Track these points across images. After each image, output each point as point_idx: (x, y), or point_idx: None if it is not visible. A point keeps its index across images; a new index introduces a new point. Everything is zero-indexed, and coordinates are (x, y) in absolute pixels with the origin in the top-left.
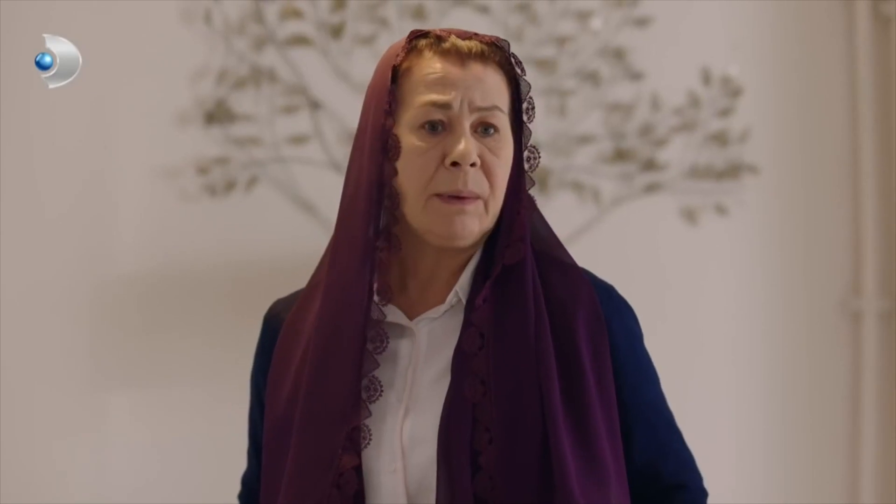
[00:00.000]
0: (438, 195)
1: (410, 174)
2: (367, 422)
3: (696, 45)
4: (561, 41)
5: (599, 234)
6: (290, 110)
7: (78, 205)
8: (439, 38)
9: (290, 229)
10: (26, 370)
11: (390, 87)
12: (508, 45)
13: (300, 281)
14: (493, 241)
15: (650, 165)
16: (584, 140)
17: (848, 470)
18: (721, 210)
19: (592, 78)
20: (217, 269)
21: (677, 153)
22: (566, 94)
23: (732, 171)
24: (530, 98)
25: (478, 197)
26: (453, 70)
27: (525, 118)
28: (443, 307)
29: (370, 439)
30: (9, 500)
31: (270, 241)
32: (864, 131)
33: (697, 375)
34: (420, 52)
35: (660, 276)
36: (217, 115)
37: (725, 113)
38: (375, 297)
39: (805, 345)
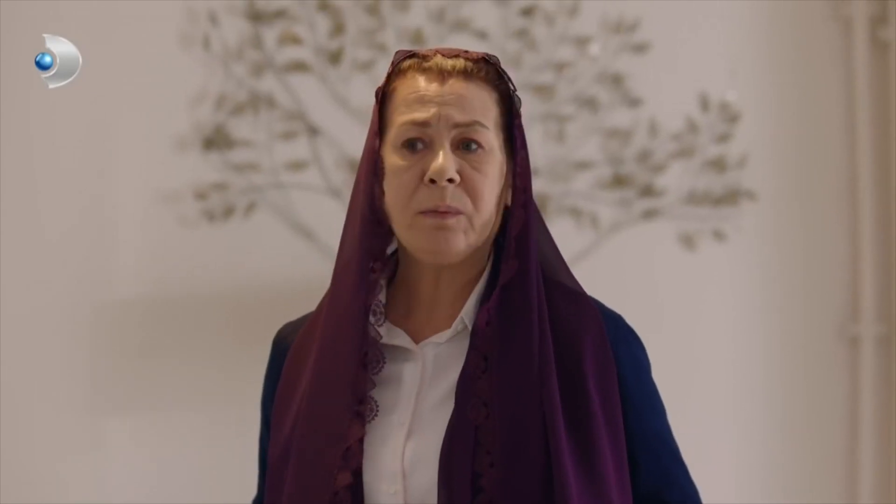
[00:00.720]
0: (422, 212)
1: (394, 193)
2: (367, 443)
3: (694, 71)
4: (559, 67)
5: (598, 259)
6: (288, 136)
7: (77, 228)
8: (423, 58)
9: (289, 255)
10: (25, 392)
11: (377, 109)
12: (497, 60)
13: (299, 306)
14: (498, 262)
15: (648, 191)
16: (583, 166)
17: (846, 492)
18: (719, 236)
19: (590, 104)
20: (216, 295)
21: (675, 179)
22: (564, 120)
23: (730, 197)
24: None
25: (459, 212)
26: (432, 87)
27: (517, 134)
28: (448, 333)
29: (366, 458)
30: None
31: (269, 267)
32: (863, 156)
33: (696, 400)
34: (404, 72)
35: (658, 301)
36: (216, 140)
37: (723, 139)
38: (371, 318)
39: (803, 369)
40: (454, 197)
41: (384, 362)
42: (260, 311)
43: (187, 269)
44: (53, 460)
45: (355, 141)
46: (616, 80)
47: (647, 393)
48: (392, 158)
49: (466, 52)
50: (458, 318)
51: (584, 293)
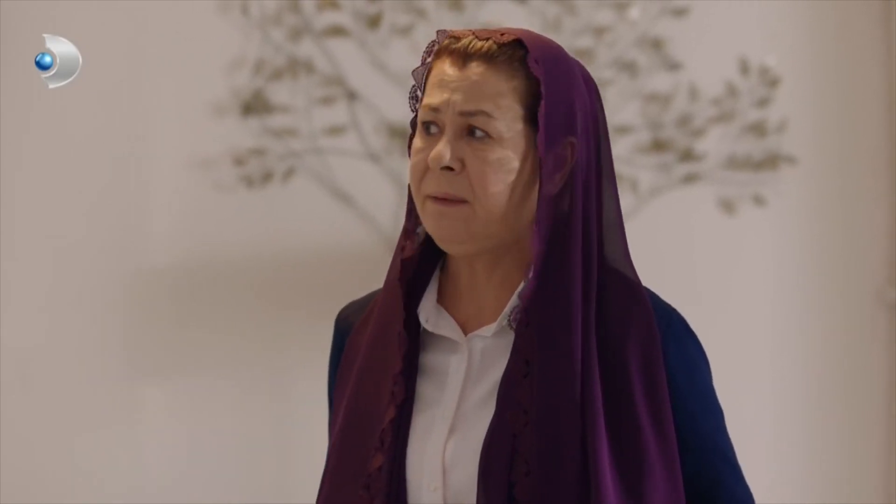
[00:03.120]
0: (429, 196)
1: (410, 174)
2: (412, 434)
3: (734, 36)
4: (598, 31)
5: (637, 224)
6: (326, 101)
7: (113, 194)
8: (456, 39)
9: (327, 221)
10: (60, 361)
11: (420, 87)
12: (537, 42)
13: (337, 272)
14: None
15: (688, 156)
16: (622, 130)
17: (885, 454)
18: (759, 201)
19: (630, 68)
20: (253, 261)
21: (715, 144)
22: (604, 85)
23: (770, 162)
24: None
25: (462, 201)
26: (450, 72)
27: (539, 123)
28: (493, 327)
29: (410, 450)
30: (43, 493)
31: (307, 233)
32: None
33: (733, 365)
34: (439, 53)
35: (697, 266)
36: (254, 106)
37: (763, 103)
38: (422, 310)
39: (841, 334)
40: (453, 184)
41: (420, 349)
42: (298, 277)
43: (224, 236)
44: (87, 429)
45: (394, 106)
46: (656, 45)
47: (700, 393)
48: (415, 139)
49: (503, 33)
50: (503, 314)
51: (638, 283)
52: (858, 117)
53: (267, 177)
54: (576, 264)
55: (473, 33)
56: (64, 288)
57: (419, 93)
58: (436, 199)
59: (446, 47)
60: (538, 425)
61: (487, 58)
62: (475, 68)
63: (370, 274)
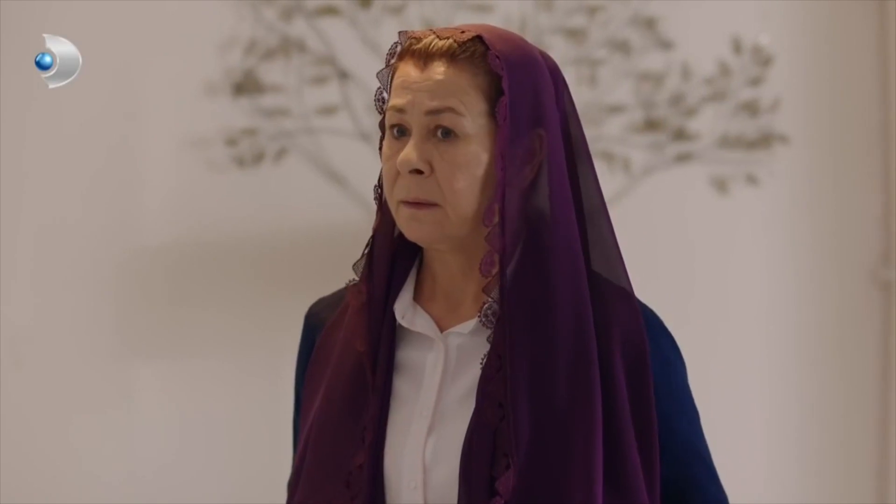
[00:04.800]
0: (401, 201)
1: (383, 179)
2: (389, 432)
3: (727, 15)
4: (591, 11)
5: (630, 203)
6: (318, 81)
7: (105, 174)
8: (416, 40)
9: (319, 200)
10: (51, 342)
11: (386, 89)
12: (498, 37)
13: (328, 252)
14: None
15: (681, 135)
16: (615, 110)
17: (879, 433)
18: (752, 180)
19: (623, 47)
20: (245, 241)
21: (708, 123)
22: (596, 64)
23: (763, 141)
24: (505, 98)
25: (433, 204)
26: (413, 72)
27: (499, 118)
28: (471, 323)
29: (388, 447)
30: (37, 474)
31: (299, 213)
32: None
33: (726, 344)
34: (402, 55)
35: (690, 245)
36: (246, 85)
37: (756, 82)
38: (397, 305)
39: (835, 314)
40: (423, 188)
41: (396, 346)
42: (289, 257)
43: (216, 216)
44: (79, 410)
45: None
46: (649, 24)
47: (675, 393)
48: (384, 144)
49: (463, 31)
50: (483, 310)
51: (619, 286)
52: (851, 96)
53: (259, 157)
54: (554, 258)
55: (434, 32)
56: (56, 268)
57: (385, 94)
58: (408, 203)
59: (408, 49)
60: (516, 419)
61: (449, 56)
62: (437, 67)
63: (361, 253)
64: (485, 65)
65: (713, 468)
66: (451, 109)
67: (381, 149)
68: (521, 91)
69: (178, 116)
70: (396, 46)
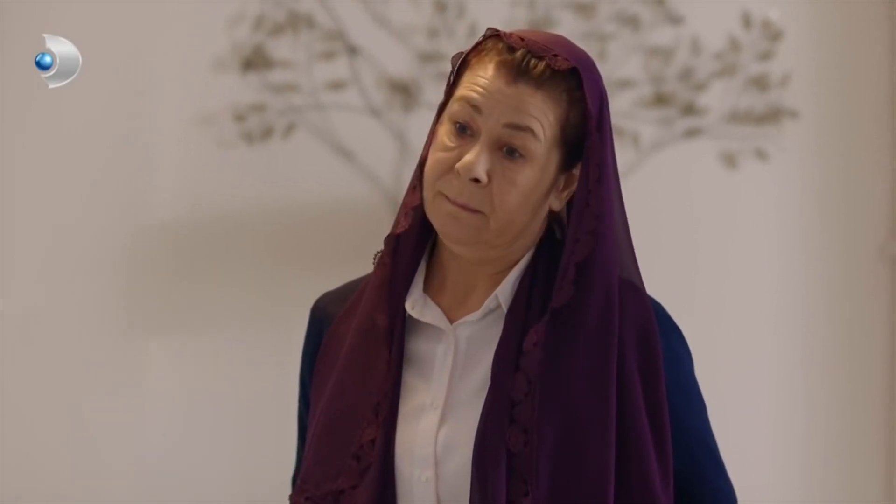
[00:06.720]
0: (443, 194)
1: (429, 166)
2: (400, 422)
3: None
4: None
5: (639, 178)
6: (327, 56)
7: (114, 151)
8: (509, 49)
9: (328, 176)
10: (61, 319)
11: (453, 72)
12: (590, 69)
13: (338, 228)
14: (545, 245)
15: (690, 110)
16: (624, 84)
17: (886, 409)
18: (761, 155)
19: (632, 22)
20: (254, 217)
21: (717, 98)
22: (606, 39)
23: (773, 116)
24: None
25: (477, 211)
26: (497, 82)
27: (591, 164)
28: (479, 312)
29: (399, 439)
30: (45, 452)
31: (308, 188)
32: None
33: (734, 318)
34: (487, 51)
35: (699, 220)
36: (254, 61)
37: (765, 57)
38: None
39: (843, 289)
40: (473, 196)
41: (406, 337)
42: (298, 232)
43: (225, 191)
44: (91, 385)
45: (395, 60)
46: None
47: (683, 386)
48: (443, 129)
49: (556, 56)
50: (492, 296)
51: (629, 280)
52: (861, 71)
53: (267, 133)
54: (602, 301)
55: (527, 45)
56: (66, 245)
57: (452, 78)
58: (453, 201)
59: (498, 52)
60: (541, 446)
61: (540, 81)
62: (527, 87)
63: (370, 229)
64: (569, 97)
65: (721, 460)
66: (530, 131)
67: (434, 129)
68: (608, 127)
69: (186, 93)
70: (486, 41)
